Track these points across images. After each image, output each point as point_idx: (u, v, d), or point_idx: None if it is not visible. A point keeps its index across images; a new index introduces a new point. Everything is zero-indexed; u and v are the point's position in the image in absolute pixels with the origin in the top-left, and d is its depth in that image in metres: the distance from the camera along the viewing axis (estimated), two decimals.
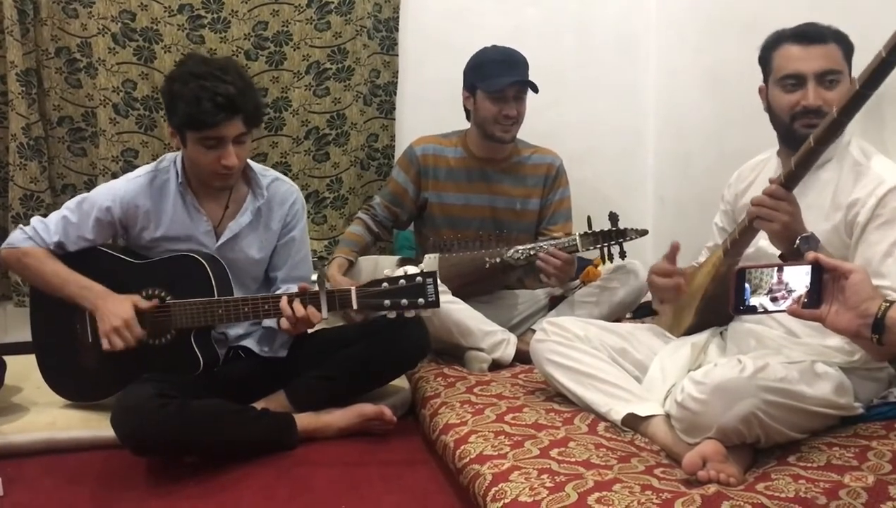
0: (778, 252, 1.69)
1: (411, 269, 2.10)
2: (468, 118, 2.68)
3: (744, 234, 1.82)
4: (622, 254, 2.44)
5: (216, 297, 2.02)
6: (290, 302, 1.97)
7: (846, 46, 1.79)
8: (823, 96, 1.74)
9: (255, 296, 2.04)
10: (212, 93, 1.92)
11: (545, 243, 2.44)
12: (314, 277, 2.01)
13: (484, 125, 2.58)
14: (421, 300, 1.96)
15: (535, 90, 2.54)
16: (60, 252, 2.11)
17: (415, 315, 1.98)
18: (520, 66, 2.56)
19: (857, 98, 1.45)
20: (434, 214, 2.70)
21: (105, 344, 1.98)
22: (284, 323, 1.99)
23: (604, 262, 2.52)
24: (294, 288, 2.08)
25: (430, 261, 2.55)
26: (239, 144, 2.01)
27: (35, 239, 2.09)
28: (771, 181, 1.66)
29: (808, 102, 1.74)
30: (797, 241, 1.58)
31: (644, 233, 2.43)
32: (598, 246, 2.41)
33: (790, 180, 1.63)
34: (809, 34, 1.78)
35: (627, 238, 2.41)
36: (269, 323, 2.15)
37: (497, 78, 2.52)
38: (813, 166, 1.63)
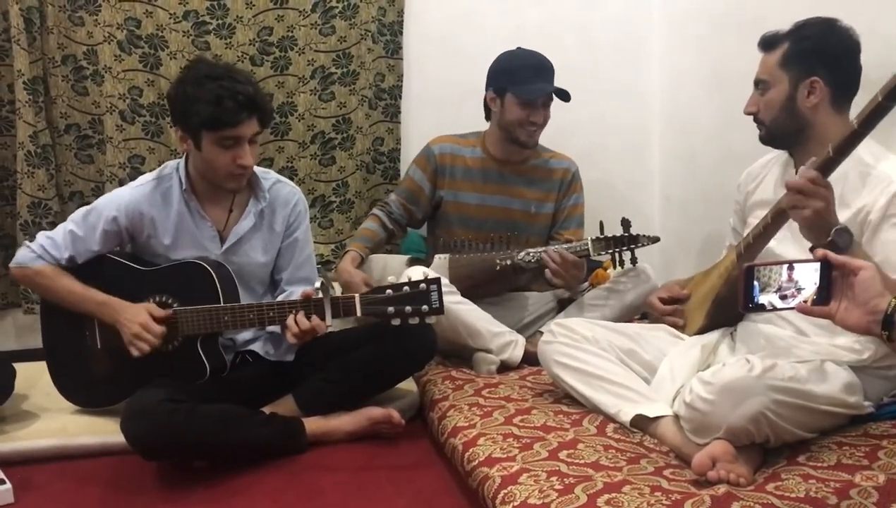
0: (787, 255, 1.68)
1: (415, 275, 2.09)
2: (488, 117, 2.67)
3: (758, 239, 1.82)
4: (633, 260, 2.44)
5: (222, 304, 2.02)
6: (295, 314, 1.97)
7: (791, 49, 1.82)
8: (756, 102, 1.90)
9: (259, 304, 2.05)
10: (232, 92, 1.95)
11: (556, 247, 2.44)
12: (317, 284, 2.01)
13: (509, 128, 2.58)
14: (425, 307, 1.96)
15: (567, 99, 2.53)
16: (71, 265, 2.12)
17: (419, 322, 1.98)
18: (550, 72, 2.56)
19: (879, 110, 1.44)
20: (449, 213, 2.70)
21: (133, 352, 2.01)
22: (290, 335, 1.99)
23: (615, 268, 2.51)
24: (298, 290, 2.09)
25: (440, 262, 2.55)
26: (252, 144, 2.04)
27: (45, 257, 2.10)
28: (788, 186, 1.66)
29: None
30: (831, 234, 1.56)
31: (656, 239, 2.43)
32: (610, 251, 2.41)
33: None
34: (760, 42, 1.89)
35: (639, 244, 2.40)
36: (273, 328, 2.15)
37: (530, 85, 2.50)
38: (828, 176, 1.61)
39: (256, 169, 2.17)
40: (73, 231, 2.12)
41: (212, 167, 2.06)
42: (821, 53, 1.79)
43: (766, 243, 1.83)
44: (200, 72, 2.02)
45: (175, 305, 2.06)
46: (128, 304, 2.04)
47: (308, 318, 1.97)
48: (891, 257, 1.64)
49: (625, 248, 2.40)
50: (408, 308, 1.96)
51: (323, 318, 1.98)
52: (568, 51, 3.20)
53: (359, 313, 1.98)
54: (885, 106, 1.42)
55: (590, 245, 2.40)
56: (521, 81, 2.52)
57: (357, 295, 1.99)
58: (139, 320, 2.00)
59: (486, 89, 2.63)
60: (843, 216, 1.73)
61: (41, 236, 2.14)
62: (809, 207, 1.59)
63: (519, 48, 2.62)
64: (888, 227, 1.68)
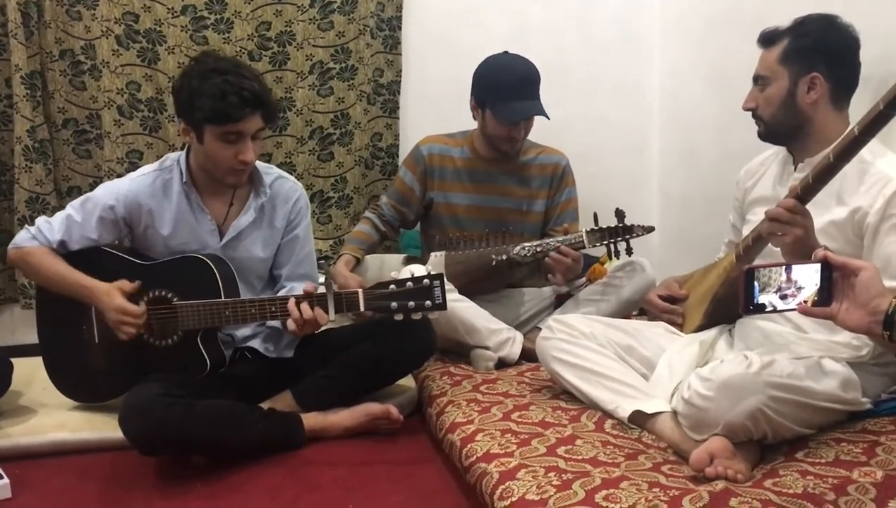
0: None
1: (418, 271, 2.09)
2: (475, 118, 2.66)
3: (756, 241, 1.82)
4: (629, 251, 2.43)
5: (223, 299, 2.02)
6: (297, 304, 1.97)
7: (791, 45, 1.81)
8: (755, 98, 1.89)
9: (261, 298, 2.04)
10: (237, 87, 1.95)
11: (552, 240, 2.43)
12: (322, 278, 2.01)
13: (490, 140, 2.57)
14: (428, 302, 1.96)
15: (548, 117, 2.50)
16: (63, 250, 2.12)
17: (421, 317, 1.98)
18: (533, 86, 2.50)
19: (880, 118, 1.43)
20: (440, 214, 2.69)
21: (122, 337, 2.02)
22: (291, 324, 1.99)
23: (610, 259, 2.50)
24: (298, 287, 2.09)
25: (436, 259, 2.55)
26: (255, 140, 2.03)
27: (38, 238, 2.10)
28: (786, 194, 1.66)
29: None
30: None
31: (651, 229, 2.41)
32: (605, 242, 2.39)
33: (806, 193, 1.62)
34: (760, 38, 1.89)
35: (634, 234, 2.39)
36: (273, 323, 2.15)
37: (510, 105, 2.46)
38: (829, 181, 1.62)
39: (258, 164, 2.17)
40: (70, 215, 2.12)
41: (213, 161, 2.05)
42: (821, 49, 1.79)
43: (765, 246, 1.83)
44: (206, 65, 2.01)
45: (175, 299, 2.06)
46: (101, 286, 2.03)
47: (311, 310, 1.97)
48: (889, 262, 1.64)
49: (619, 239, 2.39)
50: (410, 303, 1.96)
51: (326, 312, 1.98)
52: (568, 48, 3.20)
53: (362, 308, 1.98)
54: (887, 114, 1.42)
55: (584, 237, 2.38)
56: (501, 100, 2.47)
57: (360, 290, 2.00)
58: (114, 305, 2.00)
59: (470, 95, 2.60)
60: (839, 214, 1.74)
61: (40, 220, 2.15)
62: (789, 235, 1.62)
63: (505, 53, 2.56)
64: (886, 230, 1.68)
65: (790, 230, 1.61)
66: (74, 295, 2.08)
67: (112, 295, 2.01)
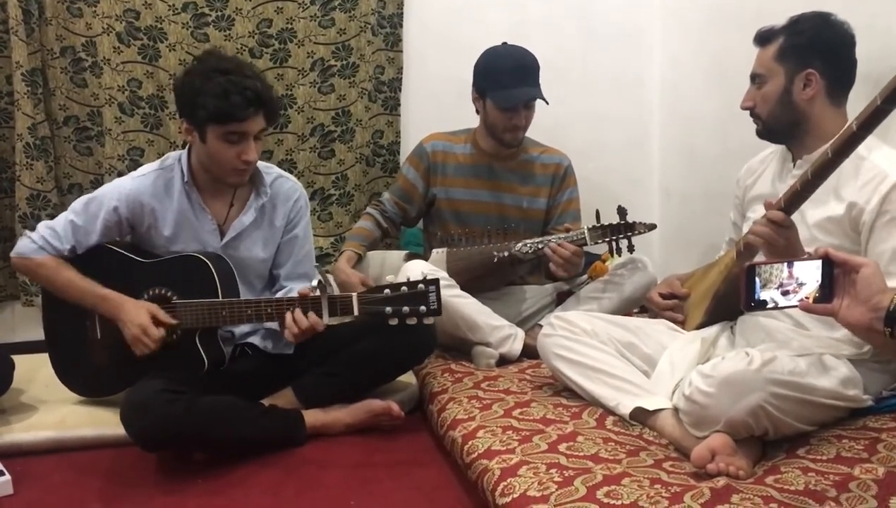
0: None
1: (414, 274, 2.09)
2: (478, 112, 2.67)
3: None
4: (630, 248, 2.43)
5: (220, 299, 2.02)
6: (292, 313, 1.97)
7: (787, 42, 1.82)
8: (752, 96, 1.91)
9: (258, 300, 2.05)
10: (241, 87, 1.95)
11: (553, 237, 2.43)
12: (314, 282, 2.01)
13: (493, 130, 2.58)
14: (423, 308, 1.95)
15: (546, 102, 2.52)
16: (72, 256, 2.12)
17: (416, 323, 1.97)
18: (532, 73, 2.52)
19: (877, 113, 1.44)
20: (442, 210, 2.70)
21: (136, 352, 2.02)
22: (288, 335, 1.99)
23: (612, 256, 2.50)
24: (296, 287, 2.09)
25: (438, 256, 2.55)
26: (257, 140, 2.04)
27: (46, 248, 2.09)
28: (768, 206, 1.70)
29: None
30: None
31: (653, 226, 2.41)
32: (607, 239, 2.40)
33: (791, 204, 1.65)
34: (756, 37, 1.91)
35: (636, 231, 2.39)
36: (271, 324, 2.15)
37: (509, 90, 2.49)
38: (828, 177, 1.62)
39: (259, 163, 2.16)
40: (73, 221, 2.11)
41: (216, 161, 2.05)
42: (816, 46, 1.80)
43: None
44: (209, 65, 2.01)
45: (174, 298, 2.06)
46: (128, 302, 2.04)
47: (306, 315, 1.97)
48: (882, 258, 1.64)
49: (621, 236, 2.39)
50: (405, 308, 1.95)
51: (320, 316, 1.98)
52: (568, 43, 3.20)
53: (356, 313, 1.98)
54: (884, 109, 1.43)
55: (586, 234, 2.38)
56: (500, 86, 2.50)
57: (354, 295, 1.99)
58: (139, 322, 2.00)
59: (472, 87, 2.61)
60: (836, 209, 1.74)
61: (42, 226, 2.13)
62: (776, 246, 1.65)
63: (504, 44, 2.59)
64: (881, 226, 1.68)
65: (776, 241, 1.66)
66: (91, 305, 2.08)
67: (140, 312, 2.01)
